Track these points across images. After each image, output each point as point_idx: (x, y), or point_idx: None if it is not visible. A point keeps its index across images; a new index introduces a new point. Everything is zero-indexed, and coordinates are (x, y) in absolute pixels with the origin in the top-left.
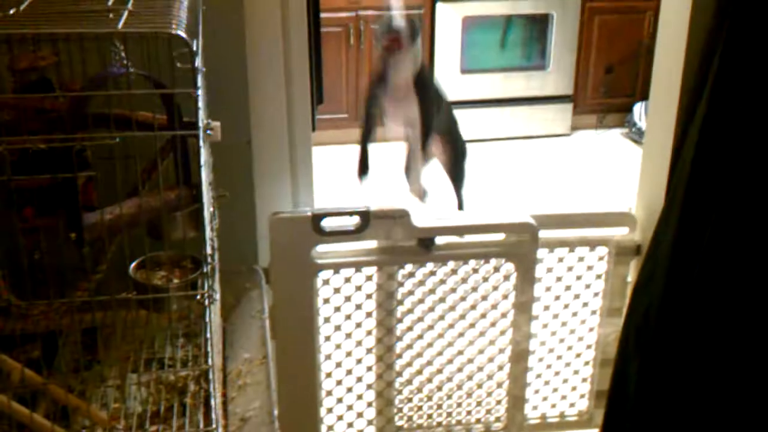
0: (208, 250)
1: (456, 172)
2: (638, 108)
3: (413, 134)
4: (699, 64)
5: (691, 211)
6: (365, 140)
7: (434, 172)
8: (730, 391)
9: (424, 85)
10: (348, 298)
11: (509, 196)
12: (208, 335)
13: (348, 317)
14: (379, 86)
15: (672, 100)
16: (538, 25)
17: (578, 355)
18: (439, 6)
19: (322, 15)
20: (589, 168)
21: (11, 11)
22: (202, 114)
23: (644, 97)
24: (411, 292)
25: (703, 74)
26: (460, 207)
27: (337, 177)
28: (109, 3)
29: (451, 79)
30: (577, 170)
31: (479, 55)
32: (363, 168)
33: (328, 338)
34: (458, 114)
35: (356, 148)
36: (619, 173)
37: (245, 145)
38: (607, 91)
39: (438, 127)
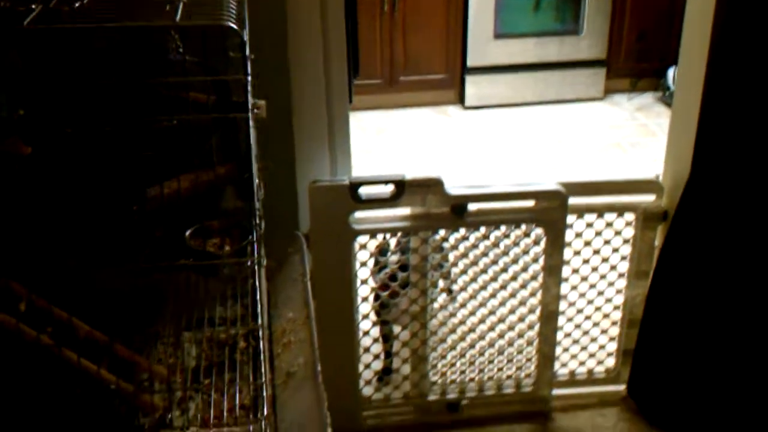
0: (256, 219)
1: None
2: (672, 72)
3: None
4: (725, 34)
5: (717, 180)
6: None
7: None
8: (753, 349)
9: None
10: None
11: (542, 159)
12: (257, 297)
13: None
14: None
15: (699, 70)
16: None
17: (606, 316)
18: None
19: None
20: (621, 132)
21: (77, 4)
22: (250, 96)
23: (678, 62)
24: (444, 257)
25: (730, 43)
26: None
27: (371, 141)
28: None
29: (484, 44)
30: (609, 134)
31: (513, 20)
32: None
33: (365, 299)
34: (492, 79)
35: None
36: (650, 137)
37: (287, 119)
38: (641, 55)
39: None
